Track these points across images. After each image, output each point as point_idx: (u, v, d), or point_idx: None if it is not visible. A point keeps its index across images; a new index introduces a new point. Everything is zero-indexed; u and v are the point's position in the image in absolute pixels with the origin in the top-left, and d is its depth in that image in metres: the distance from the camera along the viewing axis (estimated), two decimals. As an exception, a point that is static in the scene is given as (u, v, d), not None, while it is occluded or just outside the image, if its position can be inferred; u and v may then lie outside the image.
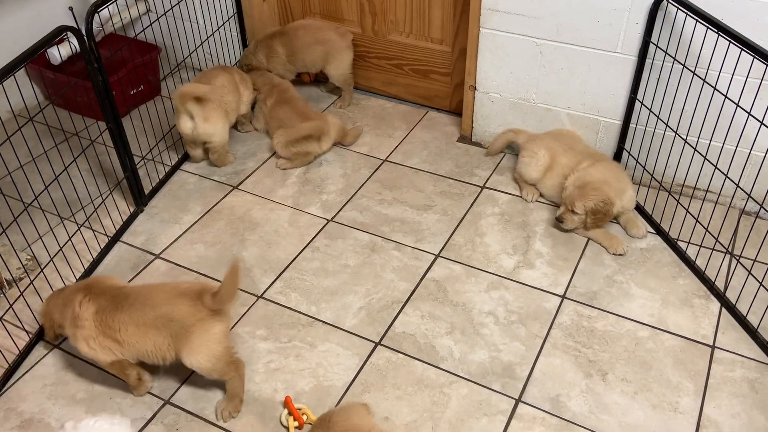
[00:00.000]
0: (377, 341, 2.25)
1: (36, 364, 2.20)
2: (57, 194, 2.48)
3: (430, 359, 2.18)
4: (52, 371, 2.17)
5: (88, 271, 2.50)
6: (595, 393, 2.07)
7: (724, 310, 2.33)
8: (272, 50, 3.23)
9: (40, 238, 2.44)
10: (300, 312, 2.36)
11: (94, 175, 2.68)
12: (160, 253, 2.60)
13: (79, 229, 2.50)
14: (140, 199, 2.77)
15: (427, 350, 2.21)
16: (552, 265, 2.51)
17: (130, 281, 2.48)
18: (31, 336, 2.25)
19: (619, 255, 2.51)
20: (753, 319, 2.24)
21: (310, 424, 1.96)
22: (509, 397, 2.07)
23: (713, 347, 2.22)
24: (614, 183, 2.53)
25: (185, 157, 3.06)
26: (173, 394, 2.10)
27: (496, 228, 2.68)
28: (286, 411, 2.01)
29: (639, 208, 2.71)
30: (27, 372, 2.17)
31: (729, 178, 2.30)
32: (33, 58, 2.10)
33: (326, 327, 2.30)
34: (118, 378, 2.10)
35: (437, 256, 2.57)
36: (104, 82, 2.44)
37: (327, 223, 2.73)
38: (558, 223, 2.60)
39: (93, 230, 2.61)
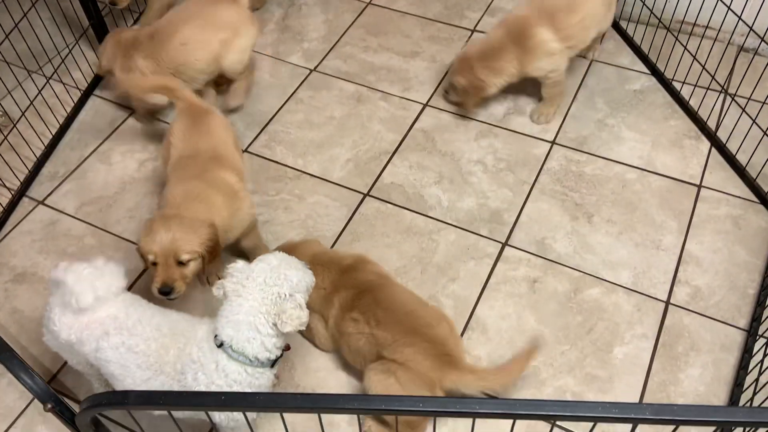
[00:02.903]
0: (365, 192, 2.24)
1: (22, 220, 2.19)
2: (21, 46, 2.33)
3: (419, 208, 2.19)
4: (39, 227, 2.17)
5: (64, 127, 2.42)
6: (580, 234, 2.11)
7: (713, 149, 2.31)
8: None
9: (9, 93, 2.33)
10: (286, 165, 2.32)
11: (57, 25, 2.51)
12: (138, 108, 2.51)
13: (47, 82, 2.39)
14: (110, 50, 2.61)
15: (415, 199, 2.21)
16: (542, 111, 2.45)
17: (107, 138, 2.41)
18: (13, 192, 2.22)
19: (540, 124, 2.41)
20: (742, 158, 2.23)
21: None
22: (496, 241, 2.10)
23: (700, 186, 2.22)
24: (493, 59, 2.25)
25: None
26: (164, 246, 2.12)
27: (486, 74, 2.58)
28: None
29: (636, 48, 2.60)
30: (14, 228, 2.17)
31: (731, 10, 2.18)
32: None
33: (314, 179, 2.28)
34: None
35: (425, 105, 2.49)
36: None
37: (310, 73, 2.62)
38: (445, 94, 2.46)
39: (63, 83, 2.48)
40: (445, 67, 2.60)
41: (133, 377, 1.46)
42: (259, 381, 1.45)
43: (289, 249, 1.81)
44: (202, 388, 1.41)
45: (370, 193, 2.23)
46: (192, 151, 1.91)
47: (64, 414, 0.95)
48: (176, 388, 1.44)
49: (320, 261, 1.80)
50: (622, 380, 1.80)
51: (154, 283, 1.67)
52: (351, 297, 1.73)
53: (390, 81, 2.57)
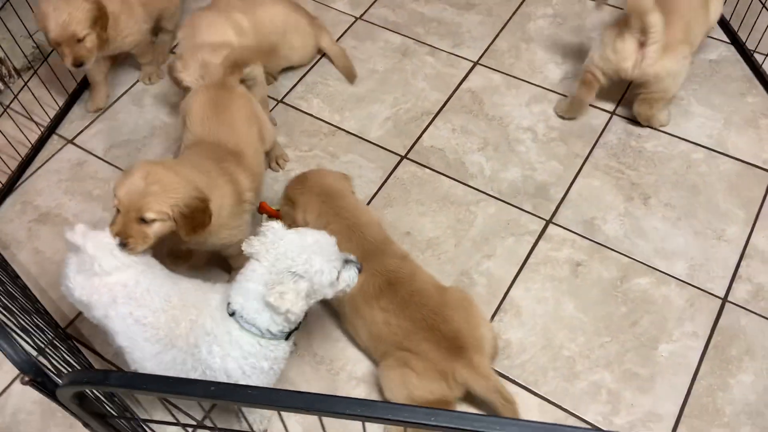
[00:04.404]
0: (403, 154, 2.10)
1: (50, 159, 2.14)
2: (56, -23, 2.24)
3: (459, 176, 2.04)
4: (67, 166, 2.12)
5: (96, 65, 2.34)
6: (634, 217, 1.93)
7: (795, 134, 2.08)
8: None
9: (42, 27, 2.25)
10: (322, 120, 2.20)
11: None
12: (174, 47, 2.40)
13: (81, 16, 2.29)
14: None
15: (455, 166, 2.06)
16: (604, 78, 2.24)
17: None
18: (42, 129, 2.16)
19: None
20: (827, 147, 2.00)
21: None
22: (540, 218, 1.94)
23: (775, 174, 2.01)
24: None
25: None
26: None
27: (546, 32, 2.37)
28: (264, 216, 1.93)
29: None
30: (41, 166, 2.12)
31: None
32: None
33: (350, 137, 2.15)
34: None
35: (476, 63, 2.31)
36: None
37: (355, 21, 2.46)
38: None
39: (98, 19, 2.40)
40: (502, 22, 2.40)
41: (141, 351, 1.39)
42: (274, 353, 1.37)
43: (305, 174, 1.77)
44: (218, 362, 1.33)
45: (407, 156, 2.09)
46: (210, 138, 1.71)
47: (46, 387, 0.88)
48: (190, 361, 1.36)
49: (357, 229, 1.69)
50: (665, 380, 1.66)
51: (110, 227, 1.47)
52: (378, 285, 1.60)
53: (440, 35, 2.39)
